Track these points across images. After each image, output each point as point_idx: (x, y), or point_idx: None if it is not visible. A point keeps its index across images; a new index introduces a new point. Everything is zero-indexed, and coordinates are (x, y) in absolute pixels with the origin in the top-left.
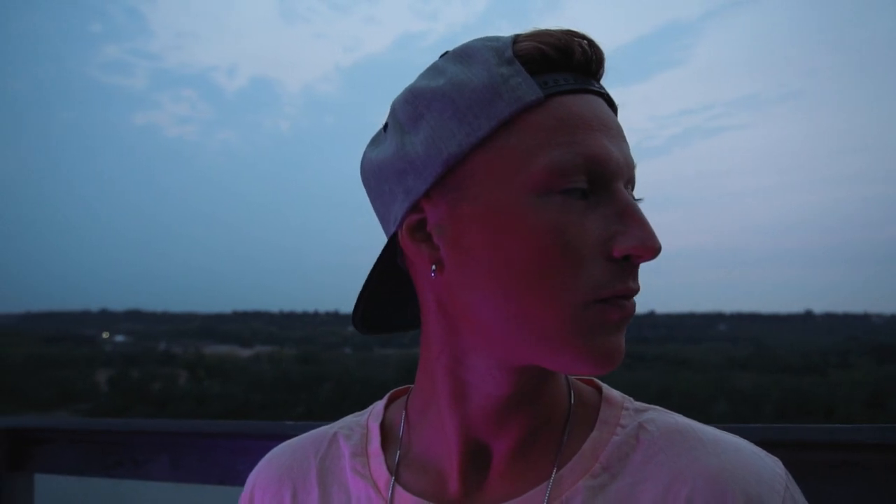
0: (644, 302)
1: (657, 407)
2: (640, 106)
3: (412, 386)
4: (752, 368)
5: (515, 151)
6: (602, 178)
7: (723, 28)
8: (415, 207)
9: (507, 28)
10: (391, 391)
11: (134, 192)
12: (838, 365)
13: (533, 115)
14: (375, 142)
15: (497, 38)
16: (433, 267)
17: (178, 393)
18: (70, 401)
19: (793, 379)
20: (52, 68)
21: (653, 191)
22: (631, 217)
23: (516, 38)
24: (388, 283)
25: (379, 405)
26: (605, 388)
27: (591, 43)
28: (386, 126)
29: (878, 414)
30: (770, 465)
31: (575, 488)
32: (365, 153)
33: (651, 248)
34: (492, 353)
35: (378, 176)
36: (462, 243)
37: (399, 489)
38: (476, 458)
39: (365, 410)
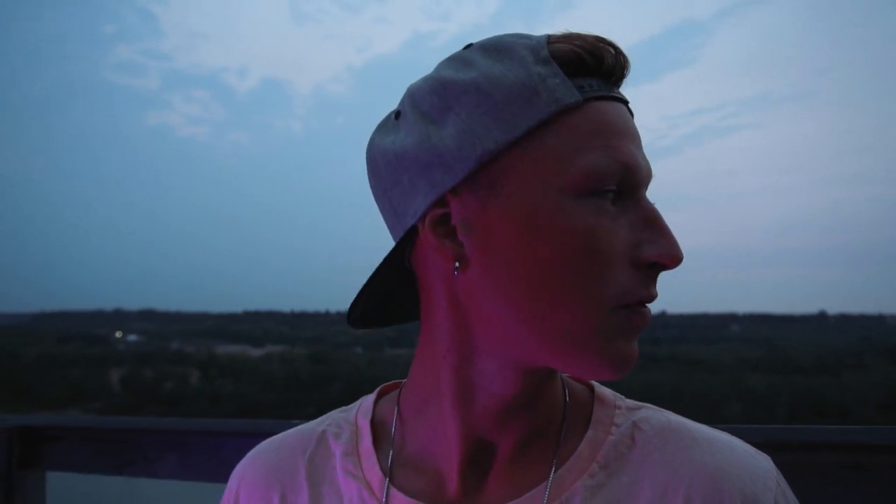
0: (656, 302)
1: (649, 405)
2: (652, 106)
3: (403, 381)
4: (765, 369)
5: (553, 152)
6: (630, 184)
7: (735, 27)
8: (439, 201)
9: (519, 29)
10: (380, 386)
11: (146, 192)
12: (852, 366)
13: (570, 118)
14: (387, 129)
15: (529, 36)
16: (456, 264)
17: (190, 392)
18: (82, 399)
19: (806, 380)
20: (66, 69)
21: (665, 190)
22: (657, 226)
23: (550, 39)
24: (389, 279)
25: (368, 401)
26: (597, 386)
27: (618, 51)
28: (398, 114)
29: (894, 416)
30: (762, 463)
31: (573, 488)
32: (374, 140)
33: (676, 258)
34: (505, 354)
35: (395, 166)
36: (491, 242)
37: (394, 490)
38: (476, 459)
39: (352, 406)
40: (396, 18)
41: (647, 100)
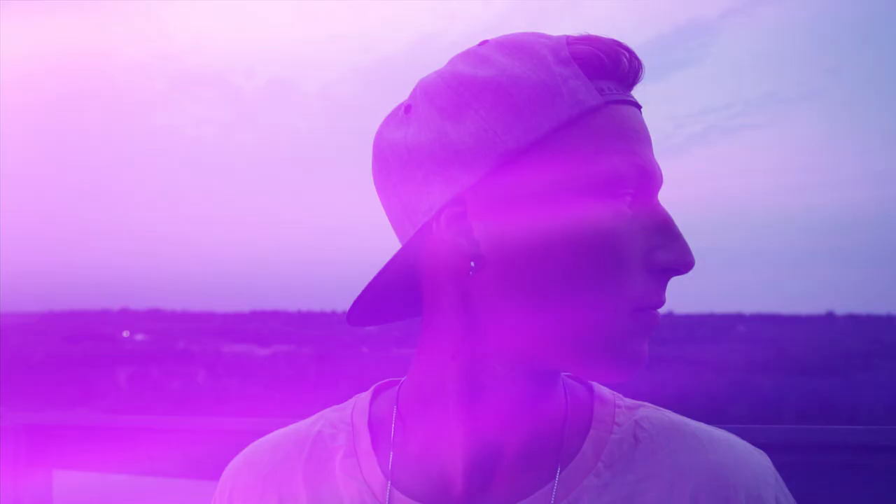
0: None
1: (647, 404)
2: (658, 105)
3: (400, 379)
4: (773, 370)
5: (574, 154)
6: (646, 189)
7: (743, 26)
8: (455, 199)
9: (525, 28)
10: (376, 385)
11: (154, 191)
12: (861, 367)
13: (591, 120)
14: (396, 123)
15: (548, 36)
16: (472, 264)
17: (196, 391)
18: (90, 398)
19: (814, 381)
20: (75, 69)
21: (672, 190)
22: (671, 232)
23: (568, 40)
24: (392, 277)
25: (363, 400)
26: (595, 385)
27: (633, 55)
28: (408, 108)
29: None
30: (761, 460)
31: (580, 488)
32: (382, 134)
33: (689, 264)
34: (516, 355)
35: (407, 161)
36: (508, 242)
37: (396, 493)
38: (481, 460)
39: (345, 405)
40: (403, 18)
41: (653, 99)
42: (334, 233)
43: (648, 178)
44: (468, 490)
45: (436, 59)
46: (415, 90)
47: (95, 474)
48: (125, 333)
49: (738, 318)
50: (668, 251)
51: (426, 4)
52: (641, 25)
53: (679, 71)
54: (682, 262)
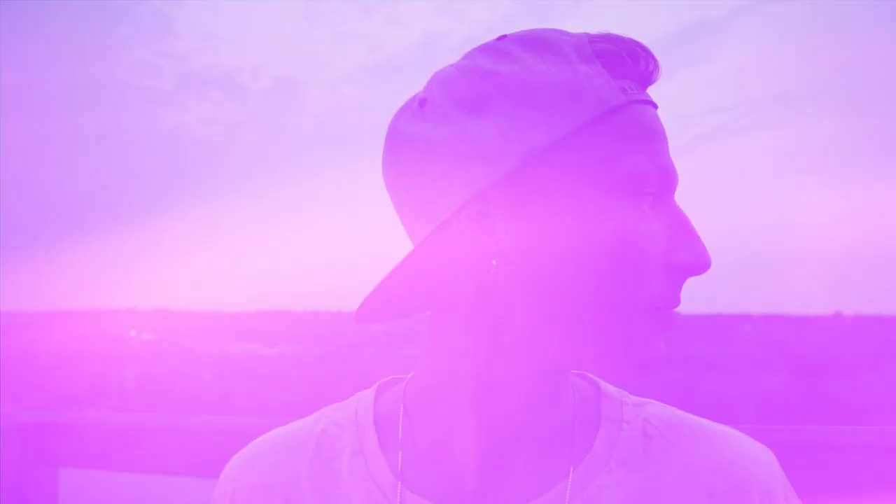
0: None
1: (653, 401)
2: (665, 105)
3: (405, 376)
4: (780, 370)
5: (596, 153)
6: (665, 189)
7: (750, 25)
8: (477, 196)
9: (533, 26)
10: (379, 382)
11: (161, 190)
12: (869, 368)
13: (613, 119)
14: (411, 116)
15: (569, 33)
16: (493, 262)
17: (202, 391)
18: (96, 397)
19: (821, 382)
20: (82, 70)
21: (679, 189)
22: (689, 233)
23: (591, 38)
24: (403, 274)
25: (366, 398)
26: (601, 382)
27: (651, 55)
28: (423, 101)
29: None
30: (766, 455)
31: (595, 485)
32: (397, 128)
33: (706, 265)
34: (534, 355)
35: (426, 156)
36: (530, 240)
37: (407, 493)
38: (494, 459)
39: (348, 402)
40: (409, 18)
41: (660, 98)
42: (340, 232)
43: (668, 178)
44: (480, 489)
45: (441, 59)
46: (430, 83)
47: (101, 472)
48: (132, 332)
49: (745, 319)
50: (686, 252)
51: (432, 4)
52: (650, 24)
53: (685, 70)
54: (701, 262)
